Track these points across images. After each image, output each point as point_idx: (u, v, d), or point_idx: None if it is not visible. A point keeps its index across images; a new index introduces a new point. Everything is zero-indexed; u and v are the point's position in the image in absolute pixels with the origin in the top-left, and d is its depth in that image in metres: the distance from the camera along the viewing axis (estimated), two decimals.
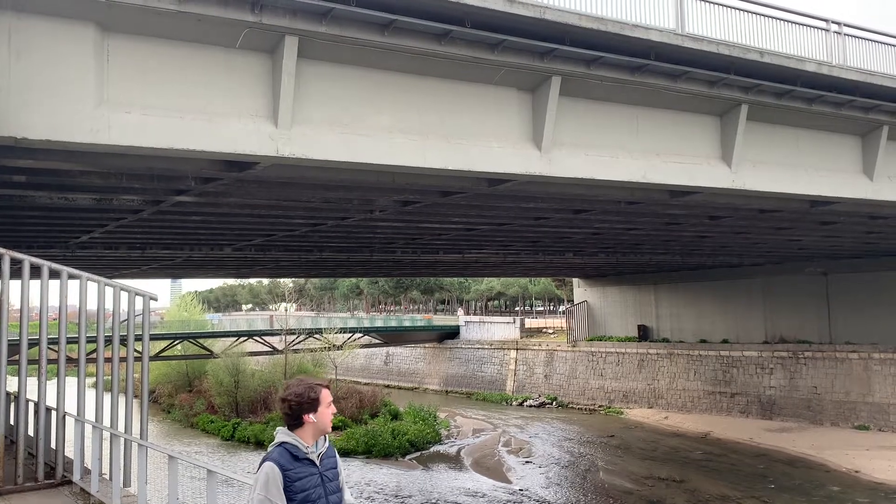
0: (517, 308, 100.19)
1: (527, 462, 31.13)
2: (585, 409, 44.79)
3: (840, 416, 33.90)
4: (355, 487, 27.33)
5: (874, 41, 16.23)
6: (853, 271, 34.85)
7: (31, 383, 9.88)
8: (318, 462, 3.99)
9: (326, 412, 4.03)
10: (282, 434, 3.98)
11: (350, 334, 51.55)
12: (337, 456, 4.22)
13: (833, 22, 15.52)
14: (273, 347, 47.67)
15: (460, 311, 75.74)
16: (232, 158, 10.63)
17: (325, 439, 4.12)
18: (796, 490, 25.23)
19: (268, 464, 3.84)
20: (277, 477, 3.79)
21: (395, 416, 39.44)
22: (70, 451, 9.42)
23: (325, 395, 4.05)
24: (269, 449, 3.99)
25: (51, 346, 9.66)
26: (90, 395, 9.72)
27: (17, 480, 8.91)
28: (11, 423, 10.47)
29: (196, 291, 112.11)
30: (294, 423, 3.97)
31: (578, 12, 11.62)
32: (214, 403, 43.39)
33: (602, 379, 45.43)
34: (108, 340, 9.78)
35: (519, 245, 27.70)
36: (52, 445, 9.51)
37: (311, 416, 3.96)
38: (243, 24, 9.60)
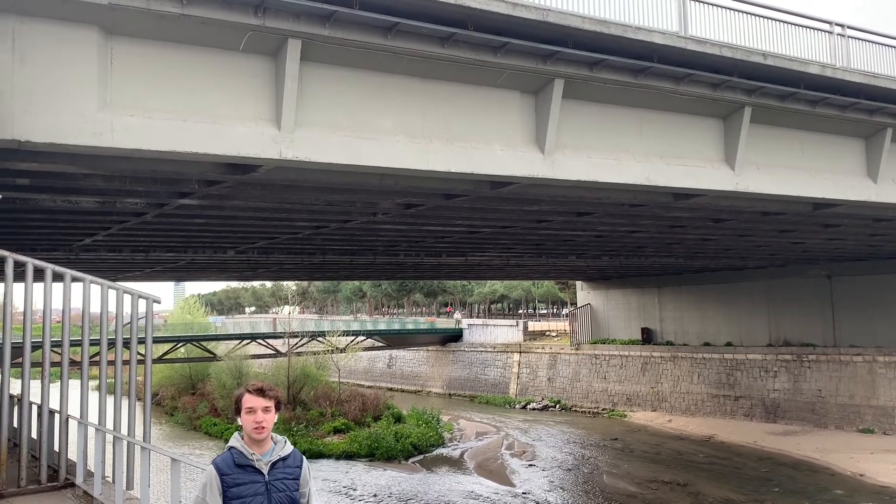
0: (520, 311, 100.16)
1: (530, 465, 31.08)
2: (589, 412, 44.72)
3: (844, 420, 33.79)
4: (359, 490, 27.30)
5: (878, 43, 16.21)
6: (857, 274, 34.76)
7: (35, 386, 9.89)
8: (265, 470, 3.84)
9: (246, 418, 3.85)
10: (233, 438, 3.93)
11: (353, 337, 51.54)
12: (304, 468, 4.01)
13: (837, 24, 15.50)
14: (276, 350, 47.68)
15: (457, 314, 75.28)
16: (235, 161, 10.64)
17: (285, 445, 3.98)
18: (801, 493, 25.14)
19: (209, 467, 3.83)
20: (214, 481, 3.76)
21: (398, 418, 39.39)
22: (73, 453, 9.42)
23: (246, 400, 3.86)
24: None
25: (54, 349, 9.68)
26: (93, 397, 9.72)
27: (20, 483, 8.91)
28: (14, 425, 10.47)
29: (199, 294, 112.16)
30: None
31: (581, 15, 11.63)
32: (217, 406, 43.34)
33: (605, 382, 45.35)
34: (112, 343, 9.78)
35: (522, 248, 27.69)
36: (56, 448, 9.51)
37: (238, 419, 3.90)
38: (246, 28, 9.62)
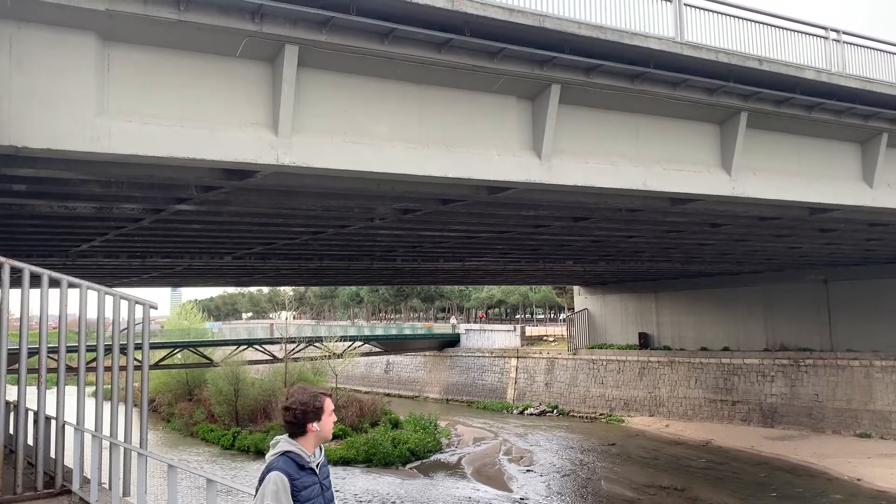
0: (518, 316, 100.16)
1: (528, 470, 31.02)
2: (586, 417, 44.67)
3: (842, 424, 33.80)
4: (357, 496, 27.25)
5: (873, 49, 16.27)
6: (853, 278, 34.81)
7: (31, 392, 9.86)
8: (317, 471, 4.00)
9: (329, 421, 4.02)
10: (285, 443, 3.94)
11: (350, 343, 51.45)
12: (328, 465, 4.27)
13: (832, 30, 15.56)
14: (273, 356, 47.57)
15: (453, 319, 75.05)
16: (232, 167, 10.64)
17: (321, 448, 4.11)
18: (798, 498, 25.12)
19: (276, 473, 3.79)
20: (287, 486, 3.77)
21: (396, 424, 39.32)
22: (69, 460, 9.39)
23: (329, 404, 4.05)
24: (268, 458, 3.93)
25: (50, 355, 9.64)
26: (90, 404, 9.70)
27: (16, 490, 8.87)
28: (11, 432, 10.44)
29: (196, 300, 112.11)
30: (297, 431, 3.94)
31: (578, 20, 11.66)
32: (214, 412, 43.29)
33: (603, 387, 45.33)
34: (108, 349, 9.77)
35: (519, 253, 27.70)
36: (52, 455, 9.48)
37: (315, 424, 3.95)
38: (244, 33, 9.63)
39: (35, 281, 9.26)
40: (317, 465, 3.99)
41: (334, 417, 4.07)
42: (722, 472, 29.42)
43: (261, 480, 3.84)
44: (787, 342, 37.60)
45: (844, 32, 15.77)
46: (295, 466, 3.85)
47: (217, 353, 47.83)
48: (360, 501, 26.64)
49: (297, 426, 3.94)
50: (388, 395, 55.81)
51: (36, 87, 8.79)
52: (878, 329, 33.52)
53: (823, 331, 36.05)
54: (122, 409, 9.64)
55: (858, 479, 26.69)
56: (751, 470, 29.33)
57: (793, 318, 37.49)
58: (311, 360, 47.07)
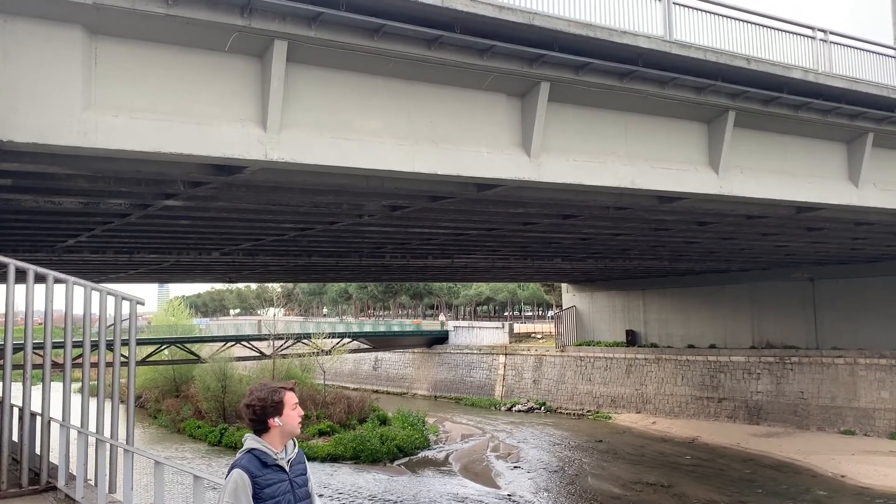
0: (506, 313, 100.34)
1: (515, 467, 31.12)
2: (574, 414, 44.84)
3: (826, 421, 34.11)
4: (344, 493, 27.25)
5: (859, 49, 16.40)
6: (839, 277, 35.12)
7: (16, 388, 9.79)
8: (287, 468, 3.94)
9: (292, 415, 3.97)
10: (251, 440, 3.94)
11: (338, 339, 51.37)
12: (306, 462, 4.17)
13: (819, 30, 15.67)
14: (261, 352, 47.45)
15: (442, 316, 75.11)
16: (220, 163, 10.59)
17: (294, 444, 4.07)
18: (783, 495, 25.34)
19: (236, 471, 3.79)
20: (247, 484, 3.76)
21: (384, 421, 39.32)
22: (55, 456, 9.33)
23: (290, 398, 3.99)
24: (237, 455, 3.93)
25: (36, 351, 9.58)
26: (76, 400, 9.64)
27: (0, 486, 8.81)
28: None
29: (184, 296, 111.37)
30: (260, 427, 3.94)
31: (567, 18, 11.69)
32: (201, 409, 43.12)
33: (590, 384, 45.50)
34: (95, 345, 9.71)
35: (508, 250, 27.74)
36: (37, 451, 9.42)
37: (276, 419, 3.92)
38: (232, 28, 9.59)
39: (21, 276, 9.19)
40: (287, 462, 3.95)
41: (300, 411, 4.01)
42: (708, 468, 29.63)
43: (226, 478, 3.85)
44: (773, 340, 37.87)
45: (831, 32, 15.88)
46: (258, 464, 3.84)
47: (204, 350, 47.65)
48: (348, 498, 26.62)
49: (258, 423, 3.94)
50: (377, 391, 55.75)
51: (22, 80, 8.72)
52: (862, 327, 33.84)
53: (809, 329, 36.36)
54: (108, 405, 9.59)
55: (842, 476, 26.96)
56: (736, 466, 29.55)
57: (779, 315, 37.77)
58: (300, 356, 46.97)
